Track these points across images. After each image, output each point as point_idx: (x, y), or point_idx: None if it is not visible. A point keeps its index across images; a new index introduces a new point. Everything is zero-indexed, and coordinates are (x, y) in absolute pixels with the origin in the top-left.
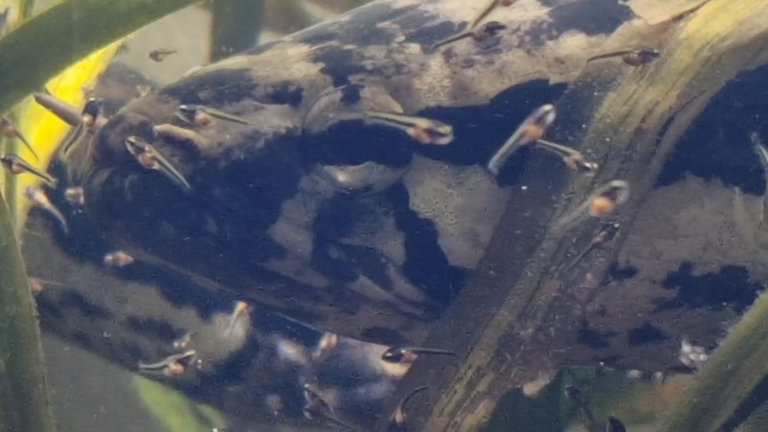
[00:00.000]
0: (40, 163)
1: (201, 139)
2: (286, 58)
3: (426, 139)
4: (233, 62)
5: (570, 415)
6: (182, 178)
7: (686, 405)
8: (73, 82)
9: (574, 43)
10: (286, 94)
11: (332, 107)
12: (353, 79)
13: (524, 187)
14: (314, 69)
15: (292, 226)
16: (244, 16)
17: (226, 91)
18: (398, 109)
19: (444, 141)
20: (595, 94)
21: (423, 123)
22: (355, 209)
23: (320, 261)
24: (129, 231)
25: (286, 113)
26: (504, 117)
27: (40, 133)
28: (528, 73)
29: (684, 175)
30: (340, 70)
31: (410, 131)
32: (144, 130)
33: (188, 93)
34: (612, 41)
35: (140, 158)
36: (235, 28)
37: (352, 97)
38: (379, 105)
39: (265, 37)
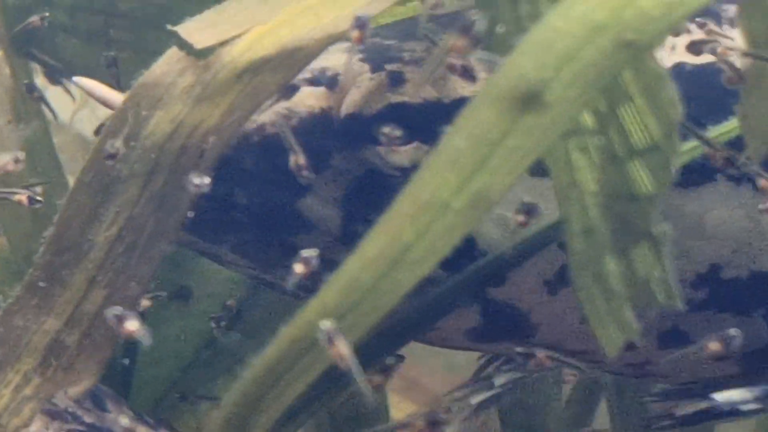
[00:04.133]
0: None
1: None
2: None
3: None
4: None
5: None
6: None
7: None
8: None
9: None
10: (323, 78)
11: (379, 90)
12: (390, 67)
13: (73, 200)
14: (353, 58)
15: (322, 201)
16: None
17: None
18: (435, 94)
19: None
20: (144, 113)
21: None
22: (386, 188)
23: (349, 237)
24: None
25: (321, 95)
26: None
27: None
28: None
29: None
30: (378, 59)
31: None
32: None
33: None
34: (160, 65)
35: None
36: None
37: (396, 80)
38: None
39: None
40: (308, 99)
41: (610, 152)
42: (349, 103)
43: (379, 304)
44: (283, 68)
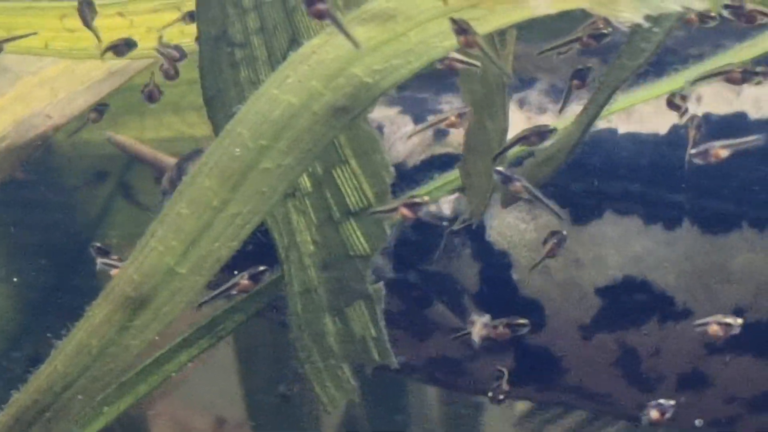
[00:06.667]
0: None
1: None
2: None
3: None
4: None
5: None
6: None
7: None
8: None
9: None
10: None
11: (424, 142)
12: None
13: None
14: (392, 111)
15: None
16: None
17: None
18: None
19: None
20: None
21: None
22: (435, 238)
23: (399, 285)
24: None
25: None
26: None
27: None
28: None
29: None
30: (417, 111)
31: None
32: None
33: None
34: None
35: None
36: None
37: (441, 133)
38: None
39: None
40: None
41: (327, 214)
42: (394, 155)
43: (109, 367)
44: (19, 146)
